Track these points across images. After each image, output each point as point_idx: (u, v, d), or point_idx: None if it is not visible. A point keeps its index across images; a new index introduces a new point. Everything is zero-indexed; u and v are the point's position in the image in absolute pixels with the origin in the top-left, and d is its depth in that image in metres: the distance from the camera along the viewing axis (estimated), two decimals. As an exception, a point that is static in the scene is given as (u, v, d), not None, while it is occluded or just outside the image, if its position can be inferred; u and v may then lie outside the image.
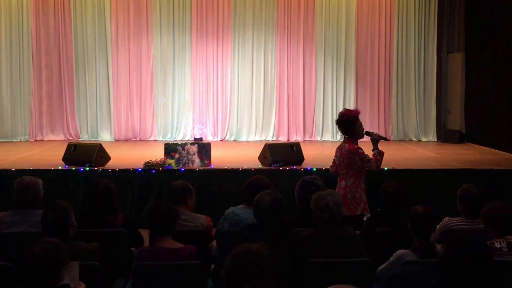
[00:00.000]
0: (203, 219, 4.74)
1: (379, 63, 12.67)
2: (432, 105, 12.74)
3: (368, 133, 5.84)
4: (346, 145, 5.74)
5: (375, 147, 5.75)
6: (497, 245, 3.84)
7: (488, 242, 3.85)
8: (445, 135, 12.40)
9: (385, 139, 5.96)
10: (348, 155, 5.70)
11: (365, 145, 5.97)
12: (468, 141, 11.82)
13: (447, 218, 4.75)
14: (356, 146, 5.72)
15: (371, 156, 5.73)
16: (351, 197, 5.70)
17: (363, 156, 5.68)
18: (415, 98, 12.68)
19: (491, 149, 10.76)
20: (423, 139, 12.59)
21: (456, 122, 12.35)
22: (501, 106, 10.61)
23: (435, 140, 12.58)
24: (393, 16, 12.59)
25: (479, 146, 11.25)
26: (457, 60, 12.43)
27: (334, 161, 5.94)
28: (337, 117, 5.93)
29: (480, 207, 4.42)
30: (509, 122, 10.02)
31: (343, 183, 5.76)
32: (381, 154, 5.72)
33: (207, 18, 12.41)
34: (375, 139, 5.76)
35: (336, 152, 5.90)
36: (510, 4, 10.25)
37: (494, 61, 10.92)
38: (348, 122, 5.76)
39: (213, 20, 12.42)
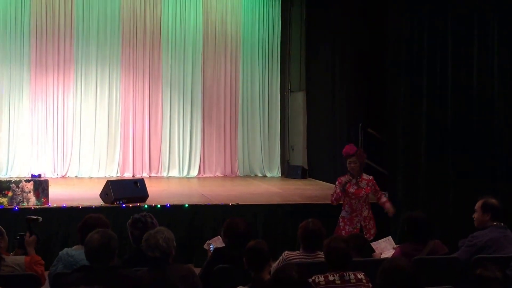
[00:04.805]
0: (20, 260, 4.42)
1: (225, 100, 12.84)
2: (276, 142, 13.10)
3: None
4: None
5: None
6: (331, 277, 3.96)
7: (322, 275, 3.96)
8: (288, 171, 12.79)
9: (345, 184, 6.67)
10: None
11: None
12: (310, 177, 12.26)
13: (286, 252, 4.87)
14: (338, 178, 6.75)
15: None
16: None
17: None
18: (260, 135, 12.98)
19: (331, 184, 11.21)
20: (268, 175, 12.86)
21: (299, 158, 12.81)
22: (336, 143, 11.11)
23: (280, 175, 12.91)
24: (238, 55, 12.86)
25: (319, 181, 11.71)
26: (299, 99, 12.95)
27: None
28: None
29: (317, 241, 4.57)
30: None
31: None
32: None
33: (47, 51, 11.82)
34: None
35: None
36: (343, 46, 10.89)
37: (330, 100, 11.47)
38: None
39: (53, 53, 11.85)
